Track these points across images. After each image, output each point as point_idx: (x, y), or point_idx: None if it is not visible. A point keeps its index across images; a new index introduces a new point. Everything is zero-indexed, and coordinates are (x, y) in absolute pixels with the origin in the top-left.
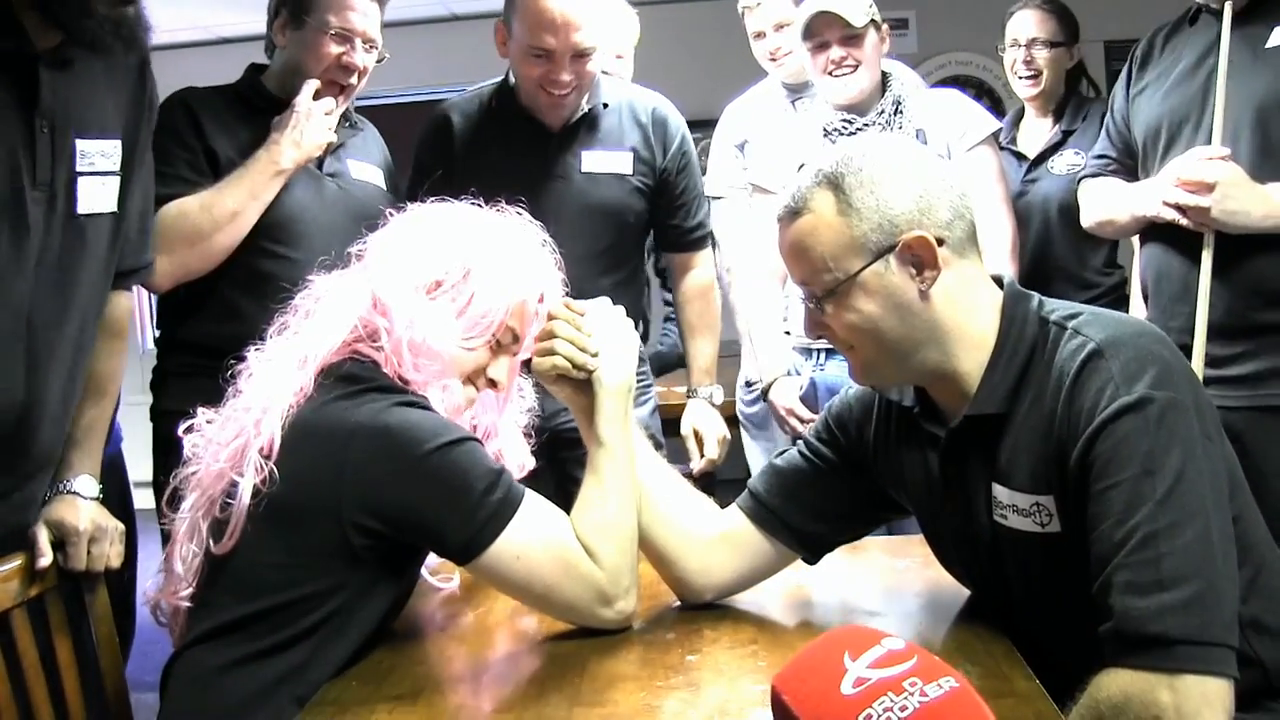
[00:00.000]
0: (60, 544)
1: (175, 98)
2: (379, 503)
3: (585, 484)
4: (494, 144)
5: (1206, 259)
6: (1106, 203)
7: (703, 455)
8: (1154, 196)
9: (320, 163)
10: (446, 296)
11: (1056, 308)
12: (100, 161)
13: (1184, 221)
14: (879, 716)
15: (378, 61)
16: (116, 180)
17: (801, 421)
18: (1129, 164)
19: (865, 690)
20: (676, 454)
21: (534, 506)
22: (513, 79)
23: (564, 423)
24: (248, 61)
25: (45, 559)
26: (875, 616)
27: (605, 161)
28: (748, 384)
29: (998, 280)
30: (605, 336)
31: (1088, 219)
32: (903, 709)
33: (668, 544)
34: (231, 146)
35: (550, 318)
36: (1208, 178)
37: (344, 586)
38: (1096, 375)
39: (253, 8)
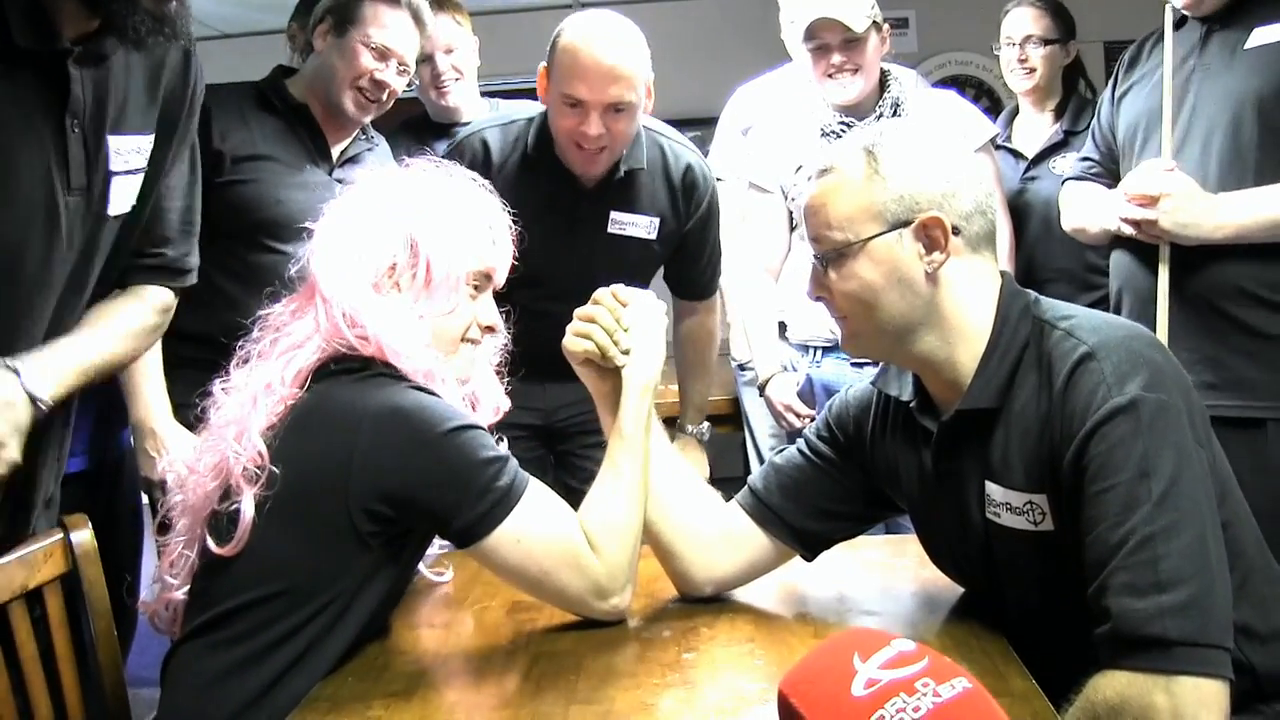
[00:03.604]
0: None
1: None
2: (388, 484)
3: (600, 476)
4: (524, 188)
5: (1163, 273)
6: (1080, 210)
7: None
8: (1111, 211)
9: (331, 169)
10: (406, 277)
11: (1049, 307)
12: (134, 159)
13: (1137, 235)
14: (892, 717)
15: (407, 86)
16: (142, 176)
17: (798, 417)
18: (1111, 167)
19: (877, 691)
20: None
21: (538, 494)
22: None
23: (564, 418)
24: (261, 54)
25: None
26: (871, 615)
27: (632, 224)
28: (741, 367)
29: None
30: (641, 333)
31: (1066, 223)
32: (916, 709)
33: (671, 538)
34: (245, 145)
35: (594, 302)
36: (1152, 190)
37: (346, 573)
38: (1089, 377)
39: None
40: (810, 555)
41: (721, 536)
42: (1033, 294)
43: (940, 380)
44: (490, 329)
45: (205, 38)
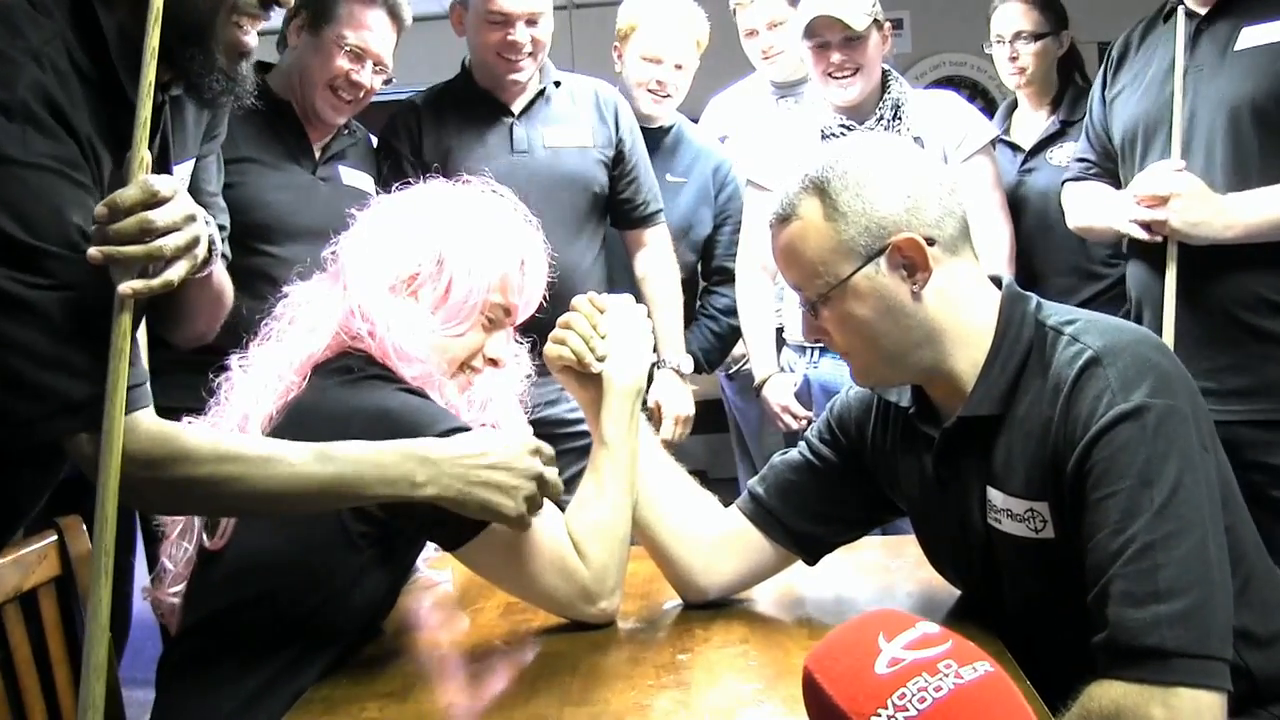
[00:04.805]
0: None
1: None
2: None
3: (584, 481)
4: (458, 130)
5: (1170, 273)
6: (1086, 210)
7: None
8: (1121, 212)
9: (314, 167)
10: (425, 289)
11: (1054, 312)
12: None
13: (1146, 236)
14: (913, 696)
15: (385, 83)
16: None
17: (795, 418)
18: (1109, 166)
19: (899, 670)
20: None
21: None
22: (469, 63)
23: (544, 418)
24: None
25: None
26: None
27: (567, 135)
28: (728, 375)
29: (996, 281)
30: (620, 337)
31: (1071, 223)
32: (937, 689)
33: (671, 544)
34: (226, 148)
35: (572, 308)
36: (1162, 190)
37: (338, 574)
38: (1094, 382)
39: None
40: (811, 560)
41: (721, 541)
42: (1035, 298)
43: (941, 388)
44: (494, 362)
45: None
